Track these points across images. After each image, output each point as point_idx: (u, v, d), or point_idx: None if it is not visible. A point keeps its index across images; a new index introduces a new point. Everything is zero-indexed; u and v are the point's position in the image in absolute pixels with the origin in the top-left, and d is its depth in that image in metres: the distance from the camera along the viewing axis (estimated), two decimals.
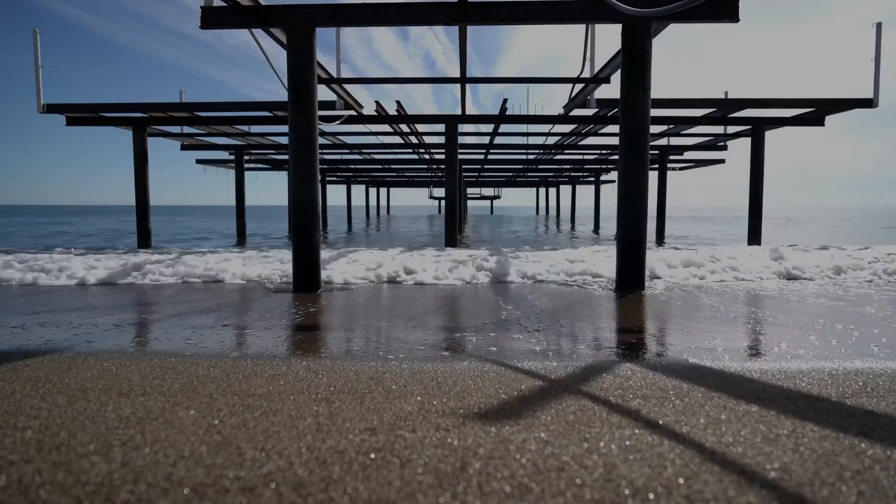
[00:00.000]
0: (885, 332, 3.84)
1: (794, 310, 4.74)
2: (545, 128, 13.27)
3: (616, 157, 18.64)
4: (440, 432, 2.00)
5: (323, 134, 13.38)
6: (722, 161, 18.92)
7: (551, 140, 15.21)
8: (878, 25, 8.47)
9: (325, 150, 17.17)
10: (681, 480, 1.63)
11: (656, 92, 6.67)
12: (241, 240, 16.44)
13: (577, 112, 11.04)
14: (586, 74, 8.15)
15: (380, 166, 23.50)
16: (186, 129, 13.13)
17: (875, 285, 6.24)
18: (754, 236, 12.67)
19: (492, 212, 50.25)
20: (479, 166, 22.24)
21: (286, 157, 18.82)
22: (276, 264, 7.67)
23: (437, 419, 2.14)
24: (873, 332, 3.84)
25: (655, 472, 1.68)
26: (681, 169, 22.22)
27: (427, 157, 18.85)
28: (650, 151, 9.07)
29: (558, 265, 7.51)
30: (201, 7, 5.85)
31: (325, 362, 3.04)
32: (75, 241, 16.69)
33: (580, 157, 19.71)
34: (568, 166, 23.98)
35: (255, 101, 10.27)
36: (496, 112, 11.47)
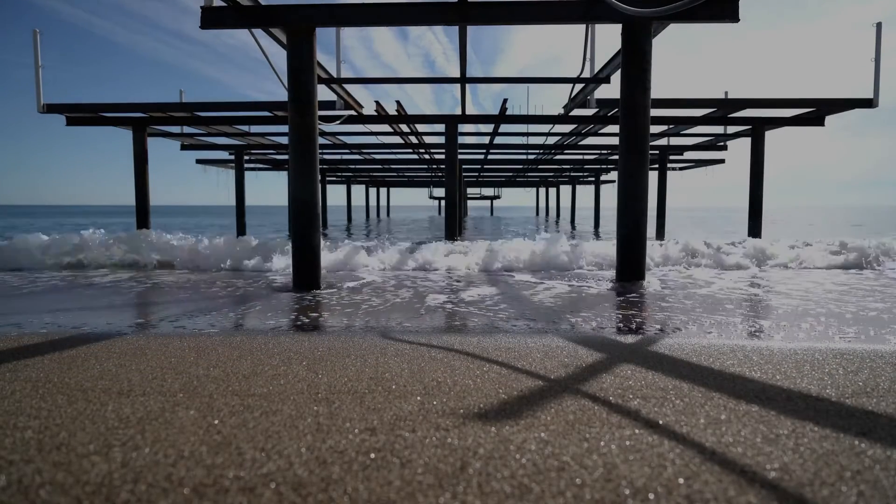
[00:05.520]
0: None
1: None
2: (545, 128, 13.28)
3: (616, 157, 18.64)
4: (440, 432, 2.00)
5: (323, 134, 13.37)
6: (722, 161, 18.94)
7: (551, 140, 15.22)
8: (878, 25, 8.47)
9: (325, 150, 17.17)
10: (681, 480, 1.63)
11: (656, 92, 6.67)
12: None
13: (577, 112, 11.05)
14: (586, 74, 8.15)
15: (380, 166, 23.50)
16: (186, 129, 13.13)
17: None
18: (754, 237, 12.64)
19: (492, 212, 50.33)
20: (479, 166, 22.24)
21: (286, 157, 18.81)
22: None
23: (437, 419, 2.13)
24: None
25: (655, 472, 1.68)
26: (681, 169, 22.23)
27: (427, 157, 18.85)
28: (650, 151, 9.08)
29: None
30: (201, 7, 5.85)
31: (326, 363, 3.04)
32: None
33: (580, 157, 19.72)
34: (568, 166, 23.99)
35: (255, 101, 10.29)
36: (496, 112, 11.48)
